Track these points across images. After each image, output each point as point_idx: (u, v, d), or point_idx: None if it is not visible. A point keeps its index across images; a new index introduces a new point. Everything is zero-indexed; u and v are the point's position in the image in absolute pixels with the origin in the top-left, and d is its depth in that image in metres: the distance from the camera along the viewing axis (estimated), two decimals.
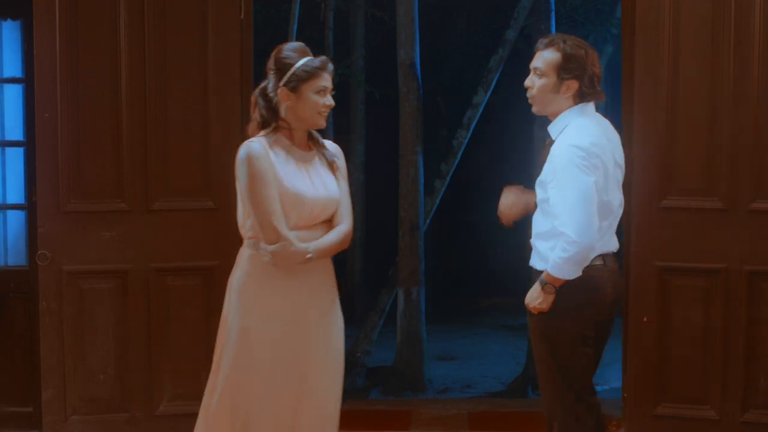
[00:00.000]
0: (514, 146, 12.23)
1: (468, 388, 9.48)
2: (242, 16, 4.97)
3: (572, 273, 3.65)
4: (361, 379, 9.70)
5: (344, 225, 3.71)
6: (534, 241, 3.81)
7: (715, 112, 4.78)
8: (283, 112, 3.61)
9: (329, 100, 3.63)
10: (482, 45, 12.01)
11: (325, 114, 3.67)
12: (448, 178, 10.18)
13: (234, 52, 4.95)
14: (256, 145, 3.53)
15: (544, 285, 3.69)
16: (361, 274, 13.24)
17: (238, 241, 3.71)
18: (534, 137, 9.61)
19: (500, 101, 10.97)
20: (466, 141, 10.22)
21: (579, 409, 3.81)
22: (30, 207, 5.23)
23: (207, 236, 4.95)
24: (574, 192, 3.58)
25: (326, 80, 3.61)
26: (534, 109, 3.82)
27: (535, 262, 3.82)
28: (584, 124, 3.72)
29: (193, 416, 4.09)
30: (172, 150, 4.93)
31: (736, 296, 4.81)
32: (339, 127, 12.49)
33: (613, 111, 15.03)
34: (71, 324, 4.93)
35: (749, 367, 4.82)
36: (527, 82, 3.78)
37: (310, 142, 3.73)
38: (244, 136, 3.68)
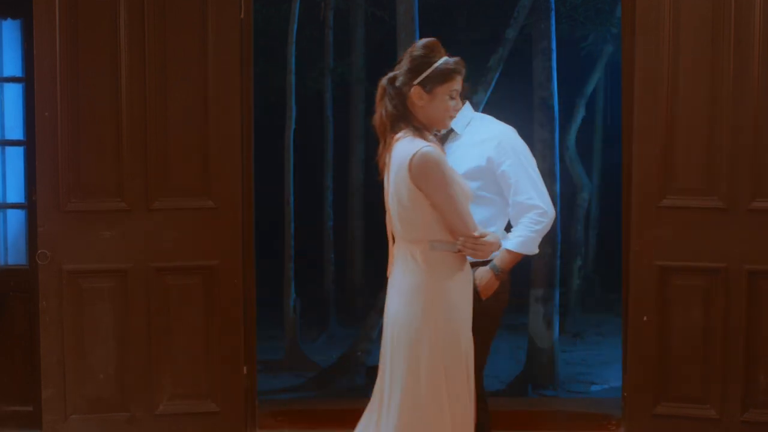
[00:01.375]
0: None
1: None
2: (242, 16, 4.97)
3: (536, 247, 3.77)
4: (361, 377, 9.70)
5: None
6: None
7: (714, 112, 4.78)
8: (413, 111, 3.58)
9: (459, 104, 3.69)
10: (482, 44, 11.98)
11: (453, 117, 3.70)
12: None
13: (234, 51, 4.94)
14: (434, 149, 3.51)
15: (497, 271, 3.79)
16: (361, 272, 13.25)
17: (238, 241, 3.70)
18: (534, 137, 9.61)
19: (500, 100, 10.98)
20: None
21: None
22: (30, 206, 5.23)
23: (207, 236, 4.95)
24: (535, 168, 3.81)
25: (458, 83, 3.61)
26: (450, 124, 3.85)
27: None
28: (485, 115, 3.97)
29: (193, 415, 4.12)
30: (172, 149, 4.93)
31: (736, 295, 4.81)
32: (339, 126, 12.51)
33: (613, 110, 15.01)
34: (71, 323, 4.93)
35: (749, 366, 4.82)
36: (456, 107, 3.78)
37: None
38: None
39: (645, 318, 4.91)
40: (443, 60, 3.58)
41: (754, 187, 4.76)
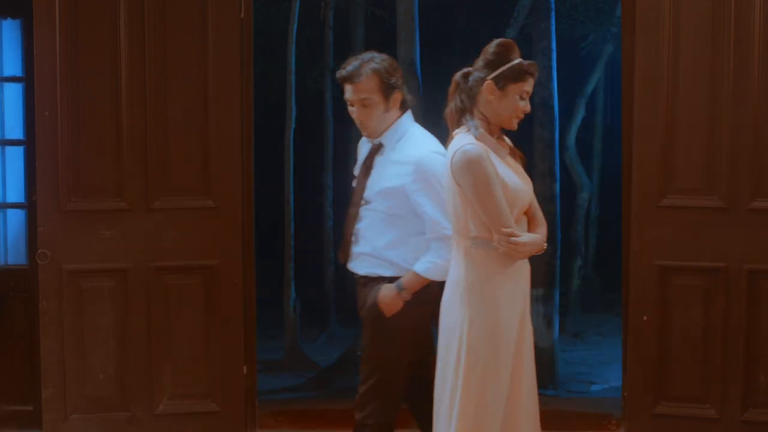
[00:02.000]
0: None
1: None
2: (242, 16, 4.97)
3: (444, 274, 3.74)
4: None
5: (540, 211, 3.80)
6: (378, 251, 3.89)
7: (715, 111, 4.78)
8: (482, 106, 3.65)
9: (527, 105, 3.69)
10: (482, 43, 11.97)
11: (521, 118, 3.72)
12: None
13: (234, 51, 4.94)
14: (474, 147, 3.56)
15: (401, 290, 3.82)
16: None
17: (238, 241, 3.71)
18: (534, 136, 9.61)
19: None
20: None
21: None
22: (30, 206, 5.23)
23: (207, 235, 4.95)
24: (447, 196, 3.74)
25: (530, 85, 3.66)
26: (367, 133, 3.92)
27: (372, 268, 3.93)
28: (422, 132, 3.96)
29: (193, 415, 4.12)
30: (172, 149, 4.93)
31: (736, 295, 4.81)
32: (339, 125, 12.50)
33: (613, 110, 15.01)
34: (71, 323, 4.93)
35: (749, 365, 4.82)
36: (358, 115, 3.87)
37: (499, 138, 3.77)
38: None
39: (645, 318, 4.90)
40: (518, 60, 3.65)
41: (754, 187, 4.76)
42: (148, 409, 4.98)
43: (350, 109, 3.90)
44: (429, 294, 3.84)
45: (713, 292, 4.84)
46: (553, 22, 9.63)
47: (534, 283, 10.14)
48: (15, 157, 5.36)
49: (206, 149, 4.93)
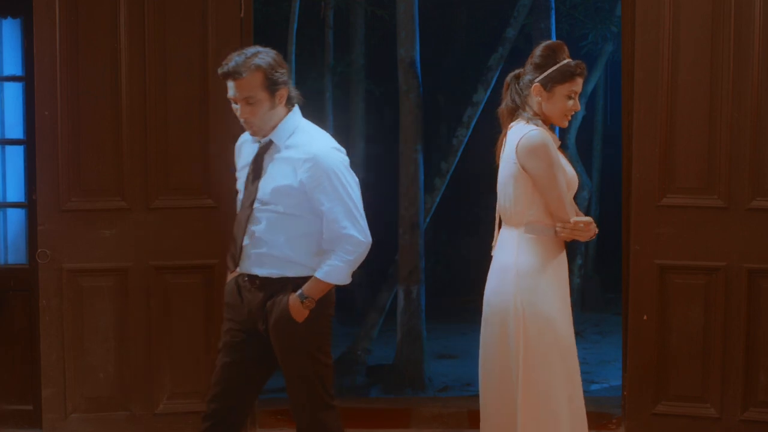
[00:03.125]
0: None
1: (468, 386, 9.46)
2: (242, 15, 4.98)
3: (347, 277, 3.74)
4: (361, 377, 9.69)
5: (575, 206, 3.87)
6: (279, 251, 3.75)
7: (714, 111, 4.78)
8: (533, 106, 3.74)
9: (577, 104, 3.75)
10: (482, 43, 11.99)
11: (570, 116, 3.79)
12: (448, 177, 10.17)
13: (234, 50, 4.92)
14: (542, 133, 3.67)
15: (304, 299, 3.71)
16: (361, 272, 13.21)
17: None
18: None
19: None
20: (466, 139, 10.20)
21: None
22: (30, 205, 5.23)
23: (207, 234, 4.96)
24: (352, 192, 3.74)
25: (578, 85, 3.74)
26: (253, 131, 3.80)
27: (273, 269, 3.77)
28: (315, 128, 3.86)
29: (193, 414, 4.11)
30: (171, 148, 4.93)
31: (736, 294, 4.82)
32: (339, 124, 12.50)
33: (612, 109, 15.00)
34: (71, 322, 4.93)
35: (749, 365, 4.83)
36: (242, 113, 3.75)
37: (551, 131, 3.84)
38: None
39: (645, 317, 4.91)
40: (565, 61, 3.73)
41: (754, 186, 4.76)
42: (148, 408, 4.99)
43: (234, 107, 3.76)
44: (332, 294, 3.83)
45: (713, 292, 4.84)
46: (553, 21, 9.63)
47: None
48: (15, 156, 5.35)
49: (206, 149, 4.93)
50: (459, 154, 10.22)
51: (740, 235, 4.79)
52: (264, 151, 3.80)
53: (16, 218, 5.39)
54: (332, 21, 11.89)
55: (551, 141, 3.69)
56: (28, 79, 5.15)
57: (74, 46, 4.84)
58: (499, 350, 3.73)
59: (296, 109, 3.85)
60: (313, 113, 13.02)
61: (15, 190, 5.37)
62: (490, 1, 12.46)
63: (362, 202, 3.81)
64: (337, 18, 12.12)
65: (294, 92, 3.84)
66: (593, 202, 13.68)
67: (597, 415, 5.52)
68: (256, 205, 3.76)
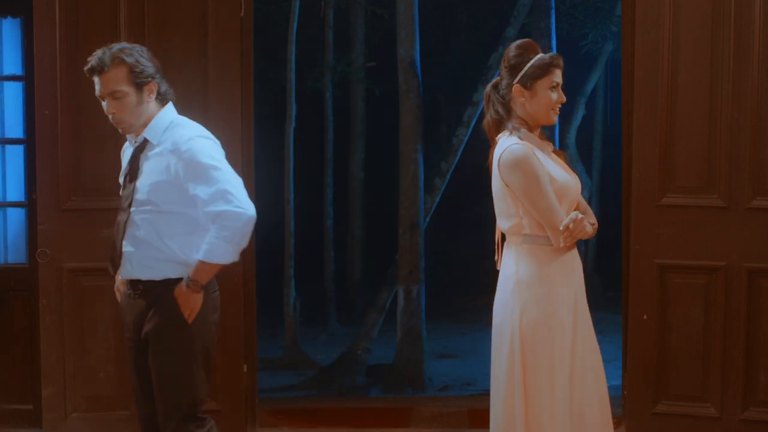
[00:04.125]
0: None
1: (468, 385, 9.46)
2: (242, 14, 4.97)
3: (230, 254, 3.61)
4: (362, 376, 9.70)
5: (588, 206, 3.84)
6: (162, 252, 3.68)
7: (714, 110, 4.78)
8: (518, 109, 3.70)
9: (562, 95, 3.73)
10: (482, 43, 12.00)
11: (558, 109, 3.75)
12: (448, 176, 10.18)
13: (234, 50, 4.94)
14: (521, 146, 3.60)
15: (189, 282, 3.62)
16: (361, 271, 13.25)
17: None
18: (544, 133, 9.59)
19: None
20: (466, 138, 10.21)
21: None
22: (30, 204, 5.23)
23: None
24: (223, 173, 3.63)
25: (558, 76, 3.70)
26: (124, 128, 3.72)
27: (158, 272, 3.68)
28: (187, 120, 3.80)
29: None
30: None
31: (736, 294, 4.81)
32: (339, 124, 12.51)
33: (612, 108, 14.98)
34: (71, 321, 4.93)
35: (749, 364, 4.82)
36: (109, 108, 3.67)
37: (540, 136, 3.80)
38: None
39: (645, 316, 4.91)
40: (538, 56, 3.69)
41: (754, 186, 4.76)
42: None
43: (102, 104, 3.68)
44: (217, 298, 3.78)
45: (713, 291, 4.84)
46: (553, 21, 9.63)
47: None
48: (15, 155, 5.36)
49: None
50: (459, 153, 10.23)
51: (740, 234, 4.79)
52: (140, 151, 3.70)
53: (16, 218, 5.39)
54: (332, 20, 11.91)
55: (532, 152, 3.61)
56: (28, 78, 5.15)
57: (74, 45, 4.84)
58: (503, 361, 3.70)
59: (170, 106, 3.77)
60: (313, 113, 13.05)
61: (15, 190, 5.37)
62: (490, 1, 12.47)
63: (238, 178, 3.67)
64: (337, 17, 12.13)
65: (166, 88, 3.76)
66: (593, 202, 13.68)
67: None
68: (133, 207, 3.66)
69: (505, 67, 3.72)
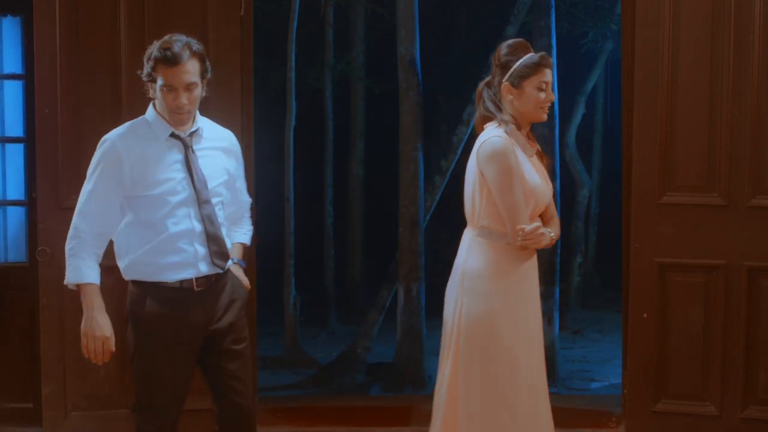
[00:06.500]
0: None
1: None
2: (242, 13, 4.97)
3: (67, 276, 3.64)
4: (361, 375, 9.70)
5: (557, 217, 3.87)
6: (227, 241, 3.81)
7: (714, 109, 4.78)
8: (507, 107, 3.73)
9: (550, 95, 3.73)
10: (482, 41, 12.00)
11: (547, 108, 3.76)
12: (448, 174, 10.18)
13: (234, 49, 4.94)
14: (502, 140, 3.64)
15: (243, 264, 3.95)
16: (361, 270, 13.25)
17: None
18: (533, 133, 9.59)
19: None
20: (466, 137, 10.20)
21: None
22: (30, 203, 5.24)
23: None
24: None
25: (547, 75, 3.72)
26: (183, 122, 3.69)
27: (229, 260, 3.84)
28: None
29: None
30: None
31: (736, 292, 4.82)
32: (339, 123, 12.51)
33: (613, 107, 14.97)
34: (71, 320, 4.91)
35: (749, 363, 4.83)
36: (184, 100, 3.62)
37: (529, 138, 3.83)
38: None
39: (645, 315, 4.91)
40: (528, 55, 3.72)
41: (754, 184, 4.76)
42: None
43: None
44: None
45: (713, 290, 4.84)
46: (553, 19, 9.62)
47: None
48: (15, 154, 5.36)
49: None
50: (459, 152, 10.22)
51: (740, 233, 4.79)
52: (188, 144, 3.68)
53: (15, 216, 5.39)
54: (332, 19, 11.91)
55: (512, 148, 3.64)
56: (28, 77, 5.15)
57: (74, 44, 4.84)
58: (446, 350, 3.76)
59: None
60: (313, 111, 13.02)
61: (15, 188, 5.37)
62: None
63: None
64: (337, 16, 12.13)
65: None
66: (593, 201, 13.70)
67: (597, 413, 5.53)
68: (214, 198, 3.69)
69: (496, 65, 3.77)
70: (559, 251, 9.71)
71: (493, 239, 3.68)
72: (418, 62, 9.11)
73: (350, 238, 13.28)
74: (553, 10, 9.61)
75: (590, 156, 13.93)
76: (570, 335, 11.64)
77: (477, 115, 3.84)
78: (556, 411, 5.74)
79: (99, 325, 3.57)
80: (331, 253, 12.29)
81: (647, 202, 4.87)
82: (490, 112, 3.76)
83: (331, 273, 12.39)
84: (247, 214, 4.03)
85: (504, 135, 3.65)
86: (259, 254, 5.31)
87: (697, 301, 4.87)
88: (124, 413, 4.98)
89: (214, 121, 4.00)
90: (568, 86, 11.46)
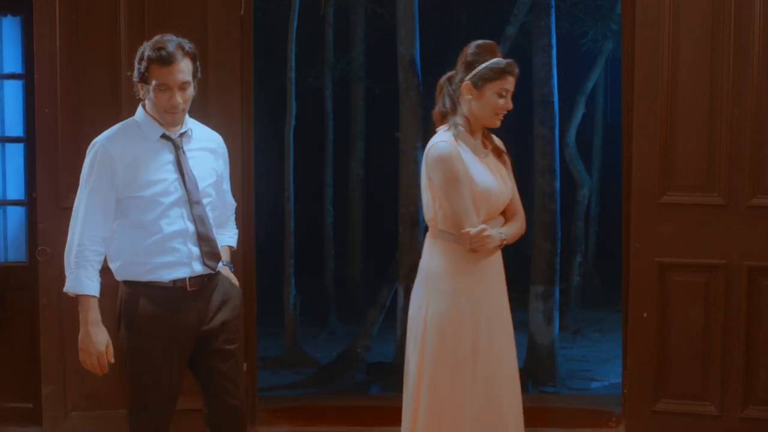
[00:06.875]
0: (514, 141, 12.24)
1: None
2: (242, 13, 4.97)
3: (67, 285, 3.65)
4: (361, 374, 9.71)
5: (521, 215, 3.85)
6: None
7: (714, 108, 4.78)
8: (463, 107, 3.72)
9: (509, 103, 3.72)
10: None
11: (502, 116, 3.75)
12: None
13: (234, 48, 4.94)
14: (448, 145, 3.64)
15: (232, 268, 3.96)
16: (361, 269, 13.25)
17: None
18: (534, 133, 9.60)
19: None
20: None
21: None
22: (30, 203, 5.24)
23: None
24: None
25: (510, 83, 3.70)
26: (174, 123, 3.65)
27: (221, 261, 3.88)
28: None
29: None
30: None
31: (736, 292, 4.81)
32: (339, 123, 12.51)
33: (613, 107, 14.96)
34: (71, 320, 4.89)
35: (749, 362, 4.83)
36: (179, 99, 3.60)
37: (484, 137, 3.83)
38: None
39: (645, 315, 4.91)
40: (495, 60, 3.71)
41: (754, 184, 4.76)
42: None
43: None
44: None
45: (713, 289, 4.84)
46: (553, 19, 9.62)
47: (534, 280, 10.16)
48: (15, 154, 5.36)
49: None
50: None
51: (740, 232, 4.79)
52: (178, 145, 3.68)
53: (15, 216, 5.39)
54: (332, 19, 11.91)
55: (457, 153, 3.63)
56: (28, 76, 5.15)
57: (74, 44, 4.84)
58: (411, 351, 3.79)
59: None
60: (313, 111, 13.01)
61: (15, 188, 5.37)
62: None
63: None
64: (337, 16, 12.13)
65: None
66: (593, 200, 13.70)
67: (597, 412, 5.53)
68: (204, 199, 3.69)
69: (462, 63, 3.76)
70: (559, 251, 9.71)
71: (451, 241, 3.69)
72: (418, 62, 9.12)
73: (350, 238, 13.28)
74: (553, 10, 9.61)
75: (590, 156, 13.92)
76: (570, 335, 11.64)
77: (436, 108, 3.82)
78: (555, 411, 5.77)
79: (93, 340, 3.60)
80: (331, 253, 12.29)
81: (647, 201, 4.87)
82: (447, 108, 3.76)
83: (331, 273, 12.39)
84: (233, 217, 4.01)
85: (451, 140, 3.66)
86: (259, 254, 5.32)
87: (697, 300, 4.87)
88: (123, 413, 4.94)
89: (214, 121, 4.01)
90: (568, 86, 11.45)
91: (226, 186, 3.92)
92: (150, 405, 3.70)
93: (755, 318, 4.81)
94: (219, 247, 3.77)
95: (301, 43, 11.10)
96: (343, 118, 12.88)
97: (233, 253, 4.00)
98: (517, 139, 11.66)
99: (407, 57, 9.07)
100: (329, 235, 12.28)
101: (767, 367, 4.82)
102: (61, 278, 4.87)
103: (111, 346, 3.63)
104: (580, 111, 12.29)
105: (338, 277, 12.58)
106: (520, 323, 10.69)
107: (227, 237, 3.94)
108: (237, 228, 4.03)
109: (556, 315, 9.75)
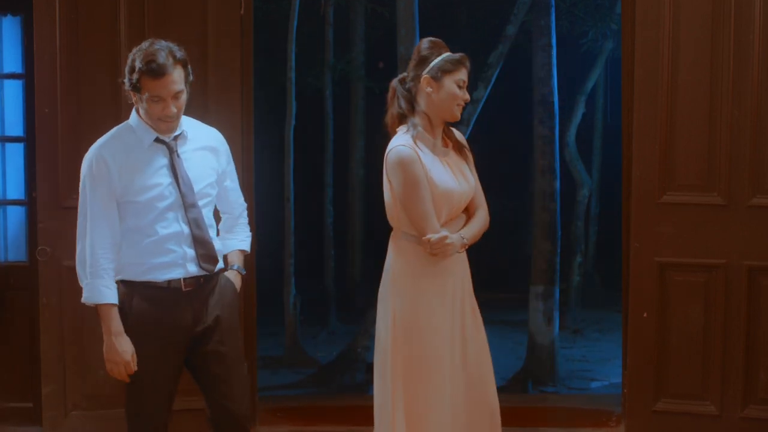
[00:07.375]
0: (515, 142, 12.23)
1: None
2: (242, 12, 4.97)
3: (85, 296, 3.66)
4: (361, 374, 9.71)
5: (483, 210, 3.86)
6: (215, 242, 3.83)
7: (714, 108, 4.78)
8: (422, 103, 3.74)
9: (466, 94, 3.75)
10: (482, 41, 12.00)
11: (462, 107, 3.78)
12: None
13: (234, 48, 4.94)
14: (406, 149, 3.65)
15: (243, 271, 3.93)
16: (361, 269, 13.25)
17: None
18: (534, 133, 9.61)
19: (500, 97, 10.97)
20: (466, 136, 10.20)
21: None
22: (30, 203, 5.24)
23: None
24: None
25: (464, 74, 3.75)
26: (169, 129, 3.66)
27: (219, 262, 3.85)
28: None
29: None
30: None
31: (736, 292, 4.81)
32: (339, 122, 12.51)
33: (613, 107, 14.96)
34: (71, 319, 4.93)
35: (749, 362, 4.83)
36: (173, 109, 3.57)
37: (444, 134, 3.84)
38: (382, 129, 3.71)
39: (645, 314, 4.91)
40: (449, 53, 3.76)
41: (754, 184, 4.76)
42: None
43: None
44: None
45: (713, 289, 4.84)
46: (553, 19, 9.63)
47: (534, 280, 10.15)
48: (15, 153, 5.36)
49: None
50: None
51: (740, 232, 4.79)
52: (173, 148, 3.68)
53: (15, 216, 5.39)
54: (332, 18, 11.91)
55: (416, 157, 3.63)
56: (28, 76, 5.15)
57: (74, 43, 4.84)
58: (379, 351, 3.79)
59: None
60: (313, 111, 13.01)
61: (15, 188, 5.37)
62: None
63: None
64: (337, 15, 12.13)
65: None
66: (593, 200, 13.70)
67: (597, 412, 5.53)
68: (200, 201, 3.69)
69: (415, 59, 3.78)
70: (559, 251, 9.72)
71: (413, 242, 3.70)
72: None
73: (350, 238, 13.28)
74: (553, 10, 9.62)
75: (590, 156, 13.91)
76: (570, 335, 11.64)
77: (390, 112, 3.81)
78: (555, 410, 5.77)
79: (119, 350, 3.62)
80: (331, 252, 12.29)
81: (647, 201, 4.87)
82: (403, 109, 3.76)
83: (331, 273, 12.39)
84: (244, 219, 3.98)
85: (410, 143, 3.66)
86: (259, 254, 5.31)
87: (697, 300, 4.86)
88: (123, 413, 4.97)
89: (214, 121, 4.00)
90: (568, 85, 11.46)
91: (230, 183, 3.89)
92: (147, 403, 3.71)
93: (755, 318, 4.81)
94: (219, 248, 3.77)
95: (301, 43, 11.10)
96: (343, 118, 12.88)
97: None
98: (516, 138, 11.66)
99: (407, 57, 9.06)
100: (329, 235, 12.28)
101: (767, 367, 4.82)
102: (62, 278, 4.90)
103: (135, 355, 3.64)
104: (580, 111, 12.29)
105: (338, 277, 12.58)
106: (520, 323, 10.74)
107: (238, 241, 3.93)
108: (250, 231, 4.01)
109: (556, 315, 9.76)
